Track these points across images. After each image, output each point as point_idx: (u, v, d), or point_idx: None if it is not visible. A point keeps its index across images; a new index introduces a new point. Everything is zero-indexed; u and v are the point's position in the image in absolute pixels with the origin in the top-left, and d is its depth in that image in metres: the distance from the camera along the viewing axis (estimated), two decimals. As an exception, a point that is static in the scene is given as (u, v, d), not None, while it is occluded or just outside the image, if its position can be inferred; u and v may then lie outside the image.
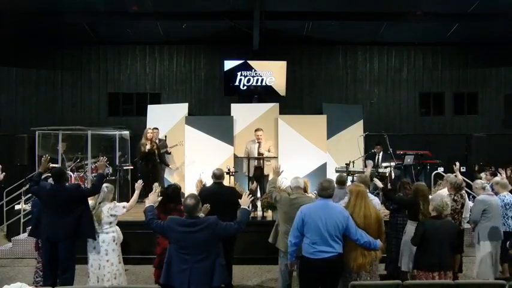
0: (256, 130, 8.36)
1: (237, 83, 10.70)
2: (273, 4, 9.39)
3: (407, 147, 9.34)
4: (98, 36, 10.96)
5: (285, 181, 6.66)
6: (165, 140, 9.28)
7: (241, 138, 9.27)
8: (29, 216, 7.12)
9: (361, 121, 10.29)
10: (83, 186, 7.46)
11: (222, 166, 7.36)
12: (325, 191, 4.18)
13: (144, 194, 7.74)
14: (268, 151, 8.25)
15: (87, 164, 9.40)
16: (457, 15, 9.81)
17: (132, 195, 5.60)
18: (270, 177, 6.84)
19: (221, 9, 9.53)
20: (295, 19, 10.05)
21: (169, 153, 9.45)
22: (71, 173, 8.87)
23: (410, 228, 5.27)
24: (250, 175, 8.10)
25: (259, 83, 10.69)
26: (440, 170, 9.02)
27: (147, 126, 8.81)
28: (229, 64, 10.70)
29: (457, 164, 6.71)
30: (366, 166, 7.40)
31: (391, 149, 8.05)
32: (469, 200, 6.40)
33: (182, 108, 10.35)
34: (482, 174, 7.50)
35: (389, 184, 6.33)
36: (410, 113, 11.67)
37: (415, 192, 5.35)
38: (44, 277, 5.16)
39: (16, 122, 11.03)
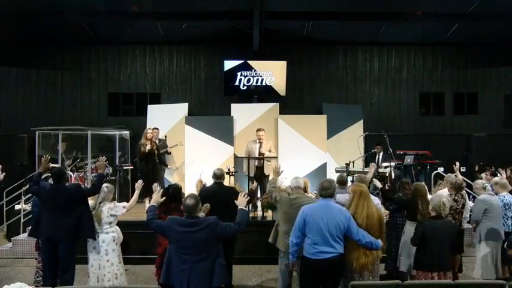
0: (257, 130, 8.36)
1: (237, 83, 10.70)
2: (273, 4, 9.39)
3: (407, 147, 9.34)
4: (98, 36, 10.96)
5: (285, 181, 6.66)
6: (165, 140, 9.28)
7: (241, 138, 9.27)
8: (29, 216, 7.12)
9: (361, 121, 10.29)
10: (82, 186, 7.45)
11: (222, 166, 7.36)
12: (326, 191, 4.18)
13: (144, 194, 7.79)
14: (269, 151, 8.25)
15: (87, 164, 9.40)
16: (457, 15, 9.81)
17: (132, 195, 5.60)
18: (270, 177, 6.84)
19: (221, 9, 9.53)
20: (295, 19, 10.05)
21: (170, 153, 9.45)
22: (71, 173, 8.87)
23: (409, 228, 5.28)
24: (251, 175, 8.10)
25: (259, 83, 10.69)
26: (440, 170, 9.02)
27: (147, 126, 8.80)
28: (229, 64, 10.70)
29: (457, 164, 6.71)
30: (367, 167, 7.40)
31: (391, 149, 8.05)
32: (469, 200, 6.39)
33: (182, 108, 10.35)
34: (483, 175, 7.50)
35: (387, 185, 6.32)
36: (410, 113, 11.67)
37: (414, 192, 5.36)
38: (44, 277, 5.16)
39: (16, 122, 11.04)
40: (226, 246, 4.65)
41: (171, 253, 3.80)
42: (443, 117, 11.72)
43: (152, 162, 8.13)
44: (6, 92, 11.19)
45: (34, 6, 9.23)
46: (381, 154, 9.49)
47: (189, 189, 8.13)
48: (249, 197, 4.31)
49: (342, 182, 5.73)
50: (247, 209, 4.16)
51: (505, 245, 5.30)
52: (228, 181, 7.40)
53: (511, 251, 5.04)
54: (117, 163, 9.91)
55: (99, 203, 5.20)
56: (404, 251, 5.32)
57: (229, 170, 7.62)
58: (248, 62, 10.69)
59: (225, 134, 9.33)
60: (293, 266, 4.39)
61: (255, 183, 6.31)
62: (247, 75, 10.67)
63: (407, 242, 5.19)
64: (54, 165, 7.64)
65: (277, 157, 8.42)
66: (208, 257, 3.72)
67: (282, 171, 5.64)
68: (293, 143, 9.22)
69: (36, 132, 9.52)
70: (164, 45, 11.46)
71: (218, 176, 5.62)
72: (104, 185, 5.24)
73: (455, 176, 6.15)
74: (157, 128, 8.99)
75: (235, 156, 9.08)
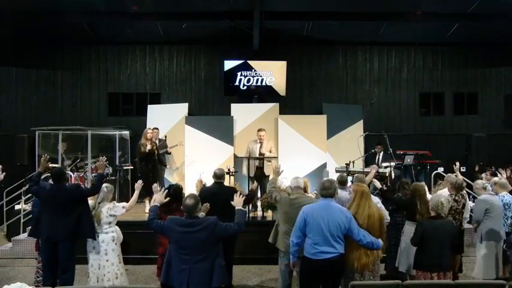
0: (258, 130, 8.36)
1: (237, 83, 10.69)
2: (273, 4, 9.39)
3: (407, 147, 9.34)
4: (98, 36, 10.96)
5: (285, 181, 6.67)
6: (165, 140, 9.28)
7: (241, 138, 9.27)
8: (29, 216, 7.12)
9: (361, 121, 10.29)
10: (82, 186, 7.45)
11: (222, 166, 7.36)
12: (327, 191, 4.18)
13: (143, 194, 7.79)
14: (270, 151, 8.25)
15: (87, 164, 9.40)
16: (457, 15, 9.81)
17: (132, 195, 5.60)
18: (271, 178, 6.84)
19: (221, 9, 9.53)
20: (295, 19, 10.05)
21: (170, 153, 9.45)
22: (71, 173, 8.87)
23: (408, 228, 5.28)
24: (251, 175, 8.10)
25: (259, 83, 10.69)
26: (440, 170, 9.02)
27: (147, 126, 8.80)
28: (229, 64, 10.70)
29: (457, 164, 6.71)
30: (367, 167, 7.40)
31: (391, 149, 8.05)
32: (469, 200, 6.39)
33: (182, 108, 10.35)
34: (483, 175, 7.50)
35: (384, 185, 6.32)
36: (410, 113, 11.67)
37: (413, 192, 5.36)
38: (44, 277, 5.16)
39: (16, 122, 11.03)
40: (226, 246, 4.65)
41: (171, 253, 3.80)
42: (443, 117, 11.72)
43: (152, 163, 8.13)
44: (6, 92, 11.19)
45: (34, 6, 9.23)
46: (381, 154, 9.49)
47: (189, 189, 8.13)
48: (244, 197, 4.31)
49: (342, 182, 5.75)
50: (244, 208, 4.15)
51: (504, 245, 5.30)
52: (228, 181, 7.40)
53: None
54: (117, 163, 9.91)
55: (99, 203, 5.20)
56: (403, 251, 5.32)
57: (229, 170, 7.62)
58: (248, 62, 10.68)
59: (225, 134, 9.32)
60: (294, 266, 4.39)
61: (255, 183, 6.31)
62: (247, 75, 10.67)
63: (406, 242, 5.20)
64: (54, 165, 7.64)
65: (277, 157, 8.42)
66: (208, 257, 3.71)
67: (282, 171, 5.65)
68: (293, 143, 9.21)
69: (36, 132, 9.52)
70: (164, 45, 11.45)
71: (218, 176, 5.63)
72: (104, 185, 5.24)
73: (456, 176, 6.15)
74: (157, 128, 8.99)
75: (235, 156, 9.08)
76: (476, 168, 10.02)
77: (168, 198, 4.46)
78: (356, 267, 4.20)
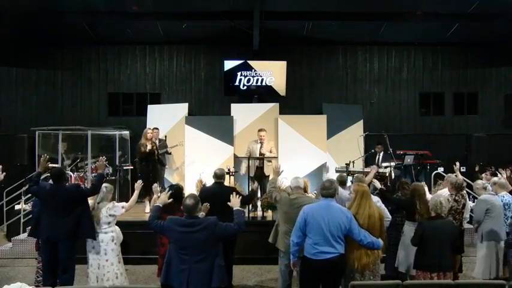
0: (259, 130, 8.36)
1: (237, 83, 10.69)
2: (273, 4, 9.39)
3: (407, 147, 9.34)
4: (98, 36, 10.95)
5: (285, 181, 6.66)
6: (165, 140, 9.28)
7: (241, 138, 9.27)
8: (29, 216, 7.12)
9: (361, 121, 10.29)
10: (82, 186, 7.45)
11: (222, 166, 7.36)
12: (327, 191, 4.18)
13: (143, 194, 7.79)
14: (270, 152, 8.25)
15: (87, 164, 9.40)
16: (457, 15, 9.80)
17: (132, 195, 5.60)
18: (271, 178, 6.84)
19: (221, 9, 9.53)
20: (295, 19, 10.04)
21: (170, 154, 9.45)
22: (71, 173, 8.87)
23: (408, 228, 5.29)
24: (251, 175, 8.11)
25: (259, 83, 10.69)
26: (440, 170, 9.02)
27: (147, 126, 8.81)
28: (229, 64, 10.70)
29: (457, 164, 6.71)
30: (367, 167, 7.40)
31: (391, 149, 8.05)
32: (469, 200, 6.40)
33: (182, 108, 10.35)
34: (483, 175, 7.50)
35: (384, 185, 6.34)
36: (410, 113, 11.66)
37: (412, 192, 5.36)
38: (44, 277, 5.16)
39: (16, 122, 11.03)
40: (226, 246, 4.65)
41: (171, 253, 3.80)
42: (443, 117, 11.72)
43: (152, 163, 8.13)
44: (6, 92, 11.19)
45: (34, 6, 9.23)
46: (381, 154, 9.49)
47: (189, 189, 8.13)
48: (240, 197, 4.31)
49: (342, 182, 5.75)
50: (242, 208, 4.15)
51: (504, 246, 5.30)
52: (228, 181, 7.40)
53: None
54: (117, 163, 9.91)
55: (98, 203, 5.21)
56: (403, 251, 5.32)
57: (229, 170, 7.62)
58: (248, 62, 10.68)
59: (225, 134, 9.32)
60: (294, 266, 4.39)
61: (256, 184, 6.30)
62: (247, 75, 10.67)
63: (406, 242, 5.20)
64: (53, 165, 7.64)
65: (276, 157, 8.42)
66: (207, 258, 3.71)
67: (282, 171, 5.65)
68: (293, 143, 9.20)
69: (36, 132, 9.51)
70: (164, 45, 11.45)
71: (219, 176, 5.63)
72: (103, 185, 5.23)
73: (456, 176, 6.15)
74: (157, 128, 9.00)
75: (235, 156, 9.08)
76: (476, 168, 10.01)
77: (171, 200, 4.44)
78: (357, 267, 4.20)
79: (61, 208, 5.00)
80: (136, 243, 6.86)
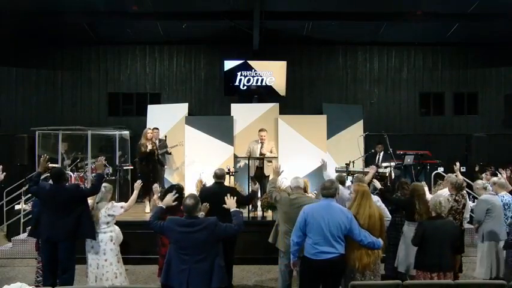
0: (260, 130, 8.35)
1: (237, 83, 10.69)
2: (273, 4, 9.39)
3: (407, 147, 9.34)
4: (98, 36, 10.95)
5: (285, 181, 6.66)
6: (165, 140, 9.28)
7: (241, 138, 9.27)
8: (29, 216, 7.12)
9: (361, 121, 10.29)
10: (82, 186, 7.45)
11: (222, 166, 7.36)
12: (327, 190, 4.17)
13: (143, 194, 7.79)
14: (270, 152, 8.25)
15: (87, 164, 9.40)
16: (457, 15, 9.81)
17: (131, 195, 5.60)
18: (271, 178, 6.84)
19: (221, 9, 9.53)
20: (295, 19, 10.05)
21: (170, 154, 9.45)
22: (71, 173, 8.87)
23: (408, 228, 5.29)
24: (251, 175, 8.10)
25: (259, 83, 10.69)
26: (440, 170, 9.01)
27: (147, 126, 8.81)
28: (229, 64, 10.70)
29: (457, 164, 6.71)
30: (367, 167, 7.41)
31: (391, 149, 8.05)
32: (469, 200, 6.40)
33: (182, 108, 10.35)
34: (483, 175, 7.50)
35: (381, 185, 6.35)
36: (410, 113, 11.67)
37: (412, 193, 5.36)
38: (44, 277, 5.15)
39: (16, 122, 11.03)
40: (226, 246, 4.65)
41: (171, 253, 3.80)
42: (443, 117, 11.72)
43: (153, 163, 8.14)
44: (6, 92, 11.19)
45: (34, 6, 9.23)
46: (382, 154, 9.49)
47: (189, 189, 8.12)
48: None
49: (341, 182, 5.74)
50: (239, 209, 4.15)
51: (503, 246, 5.30)
52: (228, 181, 7.39)
53: None
54: (117, 163, 9.91)
55: (97, 202, 5.21)
56: (402, 251, 5.32)
57: (229, 170, 7.62)
58: (248, 62, 10.68)
59: (225, 134, 9.32)
60: (294, 266, 4.39)
61: (257, 185, 6.30)
62: (247, 75, 10.67)
63: (406, 242, 5.21)
64: (53, 165, 7.64)
65: (276, 157, 8.41)
66: (207, 258, 3.71)
67: (282, 171, 5.65)
68: (293, 143, 9.20)
69: (36, 132, 9.51)
70: (164, 45, 11.45)
71: (219, 176, 5.62)
72: (103, 184, 5.23)
73: (456, 176, 6.15)
74: (157, 128, 8.99)
75: (235, 156, 9.08)
76: (477, 168, 10.01)
77: (175, 203, 4.40)
78: (357, 267, 4.20)
79: (61, 208, 5.00)
80: (136, 243, 6.86)
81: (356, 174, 5.96)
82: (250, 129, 9.18)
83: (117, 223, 5.38)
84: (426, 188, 5.93)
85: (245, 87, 10.72)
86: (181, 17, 9.86)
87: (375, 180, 6.07)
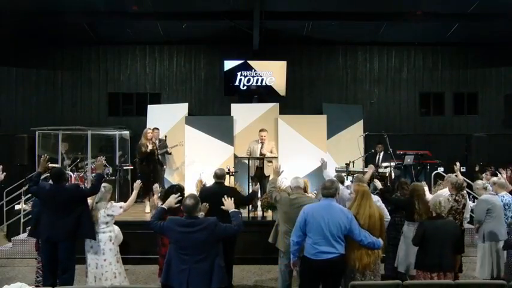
0: (260, 130, 8.35)
1: (237, 83, 10.69)
2: (273, 4, 9.39)
3: (407, 147, 9.34)
4: (98, 36, 10.95)
5: (285, 181, 6.66)
6: (165, 140, 9.28)
7: (241, 138, 9.27)
8: (29, 216, 7.11)
9: (361, 121, 10.29)
10: (82, 186, 7.45)
11: (222, 166, 7.36)
12: (328, 190, 4.17)
13: (144, 194, 7.79)
14: (271, 152, 8.25)
15: (87, 164, 9.40)
16: (457, 15, 9.80)
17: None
18: (271, 178, 6.84)
19: (221, 9, 9.53)
20: (295, 19, 10.04)
21: (170, 154, 9.45)
22: (71, 173, 8.87)
23: (407, 228, 5.29)
24: (251, 175, 8.10)
25: (259, 83, 10.69)
26: (440, 170, 9.02)
27: (147, 126, 8.82)
28: (229, 64, 10.70)
29: (458, 164, 6.71)
30: (367, 167, 7.41)
31: (391, 149, 8.05)
32: (469, 200, 6.40)
33: (182, 108, 10.35)
34: (483, 175, 7.50)
35: (381, 185, 6.36)
36: (410, 113, 11.67)
37: (411, 193, 5.37)
38: (44, 277, 5.16)
39: (16, 122, 11.03)
40: (226, 246, 4.65)
41: (171, 253, 3.80)
42: (443, 117, 11.72)
43: (153, 163, 8.14)
44: (6, 92, 11.19)
45: (34, 6, 9.23)
46: (382, 154, 9.49)
47: (189, 189, 8.12)
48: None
49: (341, 182, 5.74)
50: (238, 210, 4.15)
51: (502, 246, 5.29)
52: (228, 181, 7.39)
53: None
54: (117, 163, 9.91)
55: (96, 202, 5.21)
56: (402, 251, 5.32)
57: (229, 170, 7.62)
58: (248, 62, 10.68)
59: (225, 134, 9.32)
60: (294, 266, 4.39)
61: (258, 186, 6.29)
62: (247, 75, 10.67)
63: (405, 242, 5.20)
64: (53, 165, 7.64)
65: (276, 157, 8.41)
66: (207, 258, 3.71)
67: (282, 172, 5.64)
68: (293, 143, 9.21)
69: (36, 132, 9.51)
70: (164, 45, 11.45)
71: (219, 176, 5.62)
72: (102, 184, 5.23)
73: (456, 176, 6.15)
74: (157, 128, 8.99)
75: (235, 156, 9.08)
76: (477, 168, 10.01)
77: (178, 205, 4.39)
78: (358, 267, 4.20)
79: (61, 208, 5.00)
80: (136, 243, 6.86)
81: (356, 174, 5.95)
82: (250, 129, 9.18)
83: (117, 223, 5.38)
84: (426, 188, 5.93)
85: (245, 87, 10.72)
86: (181, 17, 9.86)
87: (376, 180, 6.07)
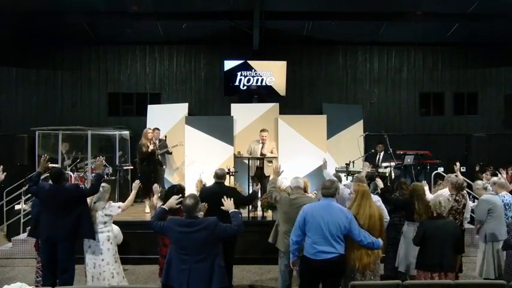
0: (261, 130, 8.34)
1: (237, 83, 10.69)
2: (273, 4, 9.39)
3: (407, 147, 9.34)
4: (98, 36, 10.95)
5: (285, 181, 6.66)
6: (165, 140, 9.28)
7: (241, 138, 9.26)
8: (29, 216, 7.10)
9: (361, 121, 10.28)
10: (82, 186, 7.45)
11: (222, 166, 7.36)
12: (327, 190, 4.17)
13: (144, 194, 7.78)
14: (271, 152, 8.24)
15: (87, 164, 9.40)
16: (457, 15, 9.80)
17: (131, 195, 5.60)
18: (271, 178, 6.83)
19: (221, 9, 9.53)
20: (295, 19, 10.04)
21: (171, 153, 9.44)
22: (71, 173, 8.87)
23: (407, 228, 5.29)
24: (251, 175, 8.10)
25: (259, 83, 10.69)
26: (441, 170, 9.02)
27: (147, 126, 8.82)
28: (229, 64, 10.70)
29: (458, 164, 6.71)
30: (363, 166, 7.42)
31: (391, 149, 8.05)
32: (469, 200, 6.39)
33: (182, 108, 10.34)
34: (484, 175, 7.49)
35: (382, 185, 6.36)
36: (410, 113, 11.66)
37: (411, 193, 5.36)
38: (44, 277, 5.16)
39: (16, 122, 11.03)
40: (226, 246, 4.65)
41: (171, 253, 3.80)
42: (443, 117, 11.72)
43: (153, 163, 8.14)
44: (6, 92, 11.19)
45: (34, 6, 9.23)
46: (382, 154, 9.48)
47: (189, 189, 8.12)
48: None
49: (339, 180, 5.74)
50: (238, 210, 4.15)
51: (501, 247, 5.29)
52: (228, 181, 7.39)
53: None
54: (117, 163, 9.91)
55: (94, 202, 5.22)
56: (402, 251, 5.32)
57: (229, 170, 7.61)
58: (248, 62, 10.68)
59: (225, 134, 9.31)
60: (294, 265, 4.39)
61: (258, 186, 6.29)
62: (247, 75, 10.67)
63: (405, 242, 5.20)
64: (53, 165, 7.64)
65: (276, 157, 8.41)
66: (207, 258, 3.71)
67: (282, 172, 5.64)
68: (293, 143, 9.20)
69: (36, 132, 9.51)
70: (164, 45, 11.45)
71: (219, 176, 5.62)
72: (101, 184, 5.23)
73: (456, 176, 6.15)
74: (158, 129, 8.98)
75: (235, 156, 9.08)
76: (477, 168, 10.01)
77: (179, 206, 4.39)
78: (357, 267, 4.20)
79: (60, 208, 5.00)
80: (136, 243, 6.86)
81: (356, 174, 5.95)
82: (250, 129, 9.18)
83: (118, 223, 5.39)
84: (426, 188, 5.93)
85: (245, 87, 10.72)
86: (181, 17, 9.86)
87: (377, 180, 6.06)
